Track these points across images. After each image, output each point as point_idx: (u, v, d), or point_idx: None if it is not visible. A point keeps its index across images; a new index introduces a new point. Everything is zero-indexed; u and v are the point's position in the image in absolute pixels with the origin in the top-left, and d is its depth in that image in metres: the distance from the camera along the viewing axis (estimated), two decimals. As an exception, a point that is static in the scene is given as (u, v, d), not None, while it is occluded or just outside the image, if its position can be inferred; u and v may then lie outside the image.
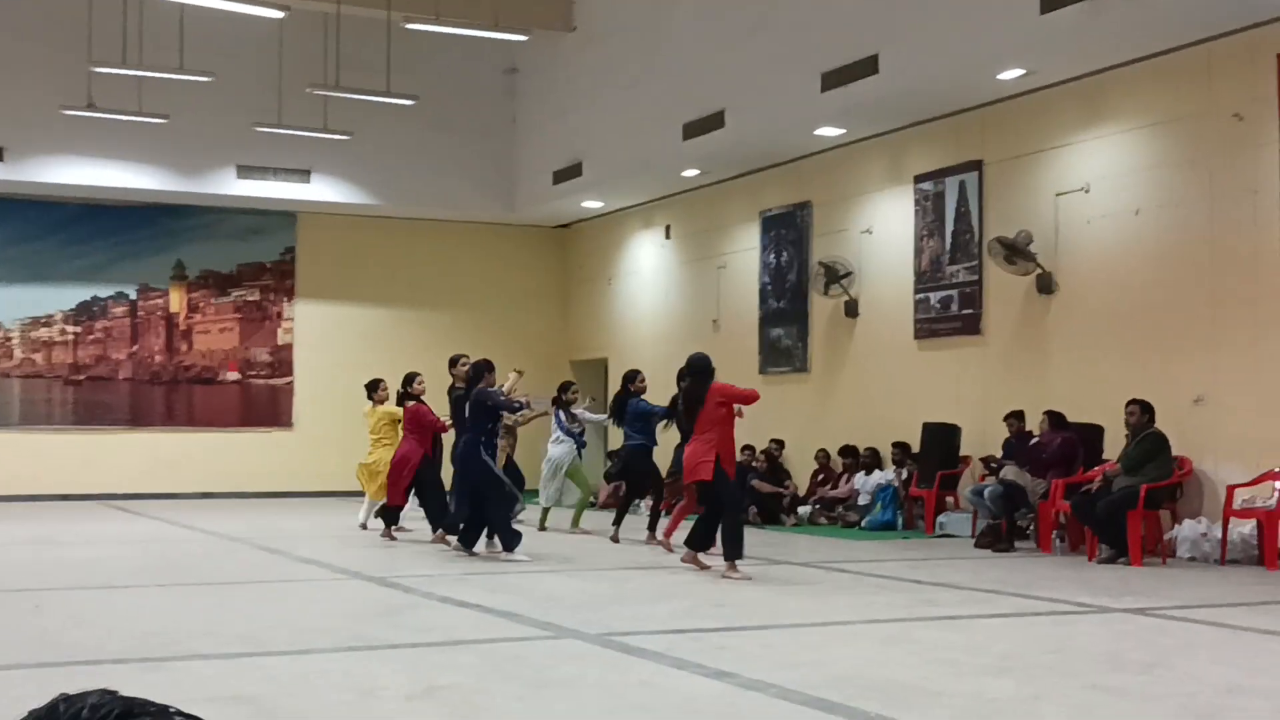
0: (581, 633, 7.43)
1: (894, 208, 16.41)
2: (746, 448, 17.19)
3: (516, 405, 11.75)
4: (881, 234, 16.59)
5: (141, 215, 21.67)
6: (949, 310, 15.44)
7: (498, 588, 9.61)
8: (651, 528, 13.18)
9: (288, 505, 13.42)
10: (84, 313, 21.66)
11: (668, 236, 21.13)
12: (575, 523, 14.63)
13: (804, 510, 16.19)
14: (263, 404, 21.89)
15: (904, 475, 15.36)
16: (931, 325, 15.70)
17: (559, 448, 14.70)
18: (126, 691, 1.25)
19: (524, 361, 20.25)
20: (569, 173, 20.76)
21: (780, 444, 17.49)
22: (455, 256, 23.44)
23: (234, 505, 14.35)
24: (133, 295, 21.89)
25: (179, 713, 1.22)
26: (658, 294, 21.33)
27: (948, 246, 15.48)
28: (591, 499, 20.12)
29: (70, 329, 21.60)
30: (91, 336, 21.71)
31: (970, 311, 15.16)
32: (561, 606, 8.60)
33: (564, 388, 14.94)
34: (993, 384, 14.83)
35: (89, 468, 21.12)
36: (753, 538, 11.61)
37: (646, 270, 21.69)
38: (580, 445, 14.61)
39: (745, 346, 18.67)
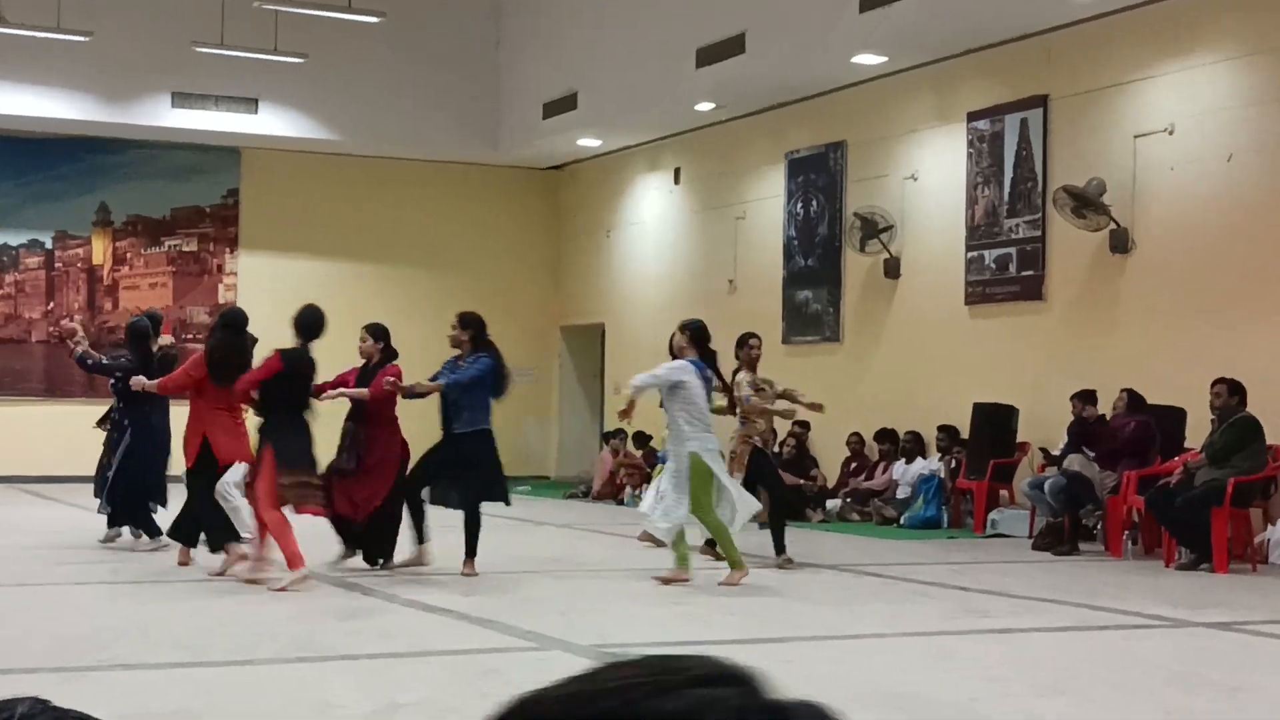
0: (570, 643, 7.49)
1: (943, 150, 16.39)
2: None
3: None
4: (928, 181, 16.58)
5: (59, 150, 21.66)
6: (1006, 271, 15.46)
7: (473, 589, 9.68)
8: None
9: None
10: (-9, 264, 21.71)
11: (677, 181, 21.13)
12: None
13: (833, 504, 16.25)
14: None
15: (950, 464, 15.40)
16: (985, 289, 15.71)
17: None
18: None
19: (508, 326, 20.24)
20: (562, 105, 20.73)
21: (806, 427, 17.53)
22: (427, 203, 23.44)
23: (171, 491, 14.40)
24: (48, 244, 21.92)
25: None
26: (664, 249, 21.34)
27: (1006, 196, 15.48)
28: (585, 488, 20.25)
29: (-25, 283, 21.66)
30: (0, 291, 21.77)
31: (1031, 273, 15.17)
32: (547, 612, 8.66)
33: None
34: (1056, 358, 14.85)
35: (-3, 445, 21.19)
36: (766, 536, 11.67)
37: (651, 221, 21.69)
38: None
39: (766, 311, 18.70)
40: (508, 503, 10.78)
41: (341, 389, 10.61)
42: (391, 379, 10.41)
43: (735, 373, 11.51)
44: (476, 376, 10.42)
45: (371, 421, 10.54)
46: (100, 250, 22.12)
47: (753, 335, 11.92)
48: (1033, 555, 12.72)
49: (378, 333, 10.93)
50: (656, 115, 19.81)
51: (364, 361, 10.87)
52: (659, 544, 11.16)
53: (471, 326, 10.76)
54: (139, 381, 10.91)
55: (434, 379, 10.58)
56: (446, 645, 7.50)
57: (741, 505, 10.00)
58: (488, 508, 10.53)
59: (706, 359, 10.14)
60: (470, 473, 10.48)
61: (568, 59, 20.68)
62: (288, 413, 10.02)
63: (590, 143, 21.77)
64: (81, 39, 19.20)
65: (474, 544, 10.48)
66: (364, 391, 10.45)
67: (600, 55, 19.94)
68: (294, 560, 9.57)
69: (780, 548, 11.14)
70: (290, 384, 10.01)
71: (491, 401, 10.61)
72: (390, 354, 10.89)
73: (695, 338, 10.16)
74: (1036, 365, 15.07)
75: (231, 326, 10.56)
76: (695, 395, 9.86)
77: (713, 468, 9.86)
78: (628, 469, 19.15)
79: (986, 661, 7.24)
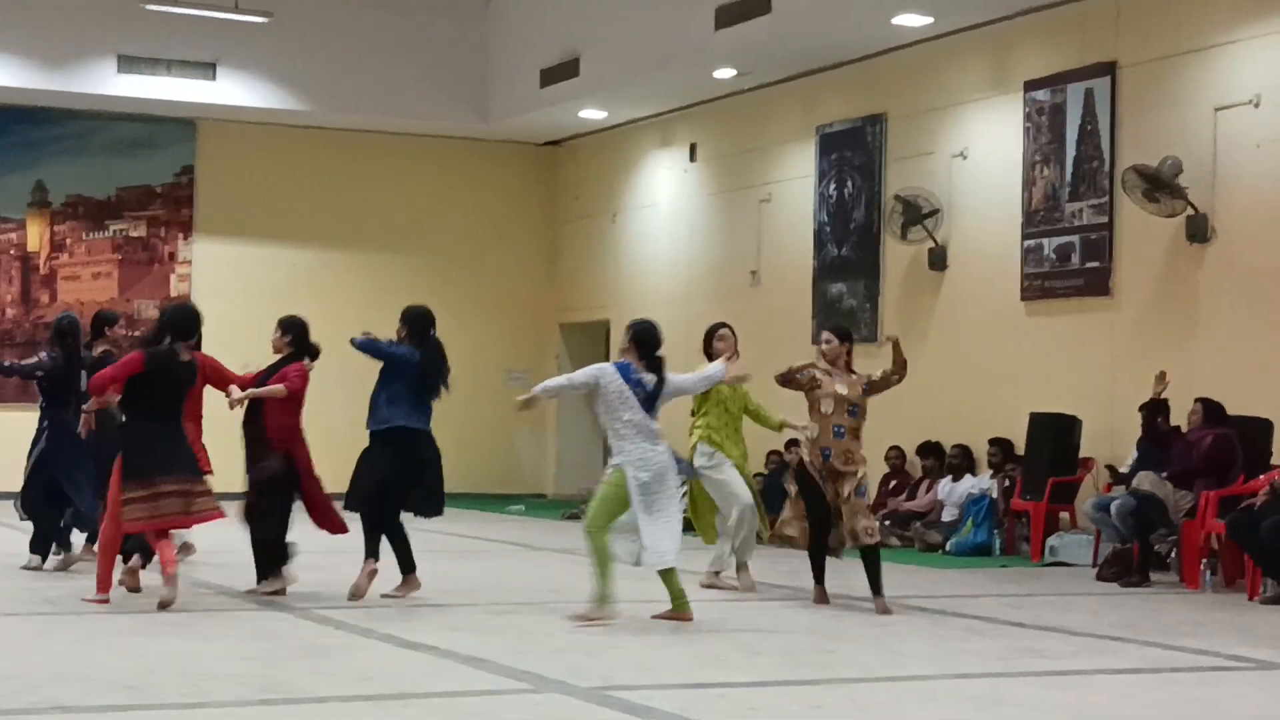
0: (570, 685, 7.48)
1: (997, 124, 16.38)
2: (794, 444, 17.22)
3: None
4: (980, 159, 16.57)
5: (-10, 120, 21.72)
6: (1068, 263, 15.44)
7: (459, 624, 9.68)
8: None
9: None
10: (-88, 250, 21.76)
11: (693, 159, 21.12)
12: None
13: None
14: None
15: (1004, 483, 15.38)
16: (1045, 283, 15.70)
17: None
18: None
19: (499, 322, 20.30)
20: (561, 71, 20.73)
21: (839, 438, 17.52)
22: (407, 181, 23.44)
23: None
24: (-23, 227, 21.97)
25: None
26: (678, 236, 21.33)
27: (1068, 177, 15.47)
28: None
29: (-106, 271, 21.70)
30: (-78, 282, 21.81)
31: (1097, 265, 15.16)
32: (543, 650, 8.65)
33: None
34: (1125, 362, 14.82)
35: (-83, 457, 21.19)
36: (798, 562, 11.67)
37: (664, 203, 21.69)
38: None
39: (794, 307, 18.69)
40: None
41: (253, 389, 10.85)
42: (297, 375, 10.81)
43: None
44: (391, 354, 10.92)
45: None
46: (36, 235, 22.13)
47: (720, 325, 12.05)
48: (1097, 587, 12.68)
49: (288, 325, 11.17)
50: (669, 83, 19.80)
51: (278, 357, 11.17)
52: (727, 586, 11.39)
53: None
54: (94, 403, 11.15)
55: None
56: (429, 687, 7.50)
57: (653, 548, 9.90)
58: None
59: (652, 365, 10.11)
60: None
61: (568, 18, 20.68)
62: (148, 419, 10.28)
63: (594, 114, 21.76)
64: (15, -6, 19.23)
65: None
66: (278, 389, 10.75)
67: (605, 14, 19.94)
68: (103, 584, 10.32)
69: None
70: (153, 387, 10.24)
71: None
72: (303, 350, 11.08)
73: (637, 340, 10.17)
74: (1102, 370, 15.06)
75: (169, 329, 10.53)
76: (614, 402, 9.89)
77: (632, 495, 9.83)
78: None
79: (1044, 709, 7.22)
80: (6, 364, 13.37)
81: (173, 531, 10.62)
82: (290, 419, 10.91)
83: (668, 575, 9.94)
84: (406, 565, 11.01)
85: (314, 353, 11.14)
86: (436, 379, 11.05)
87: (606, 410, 9.94)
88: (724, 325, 12.04)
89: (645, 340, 10.16)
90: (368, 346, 10.88)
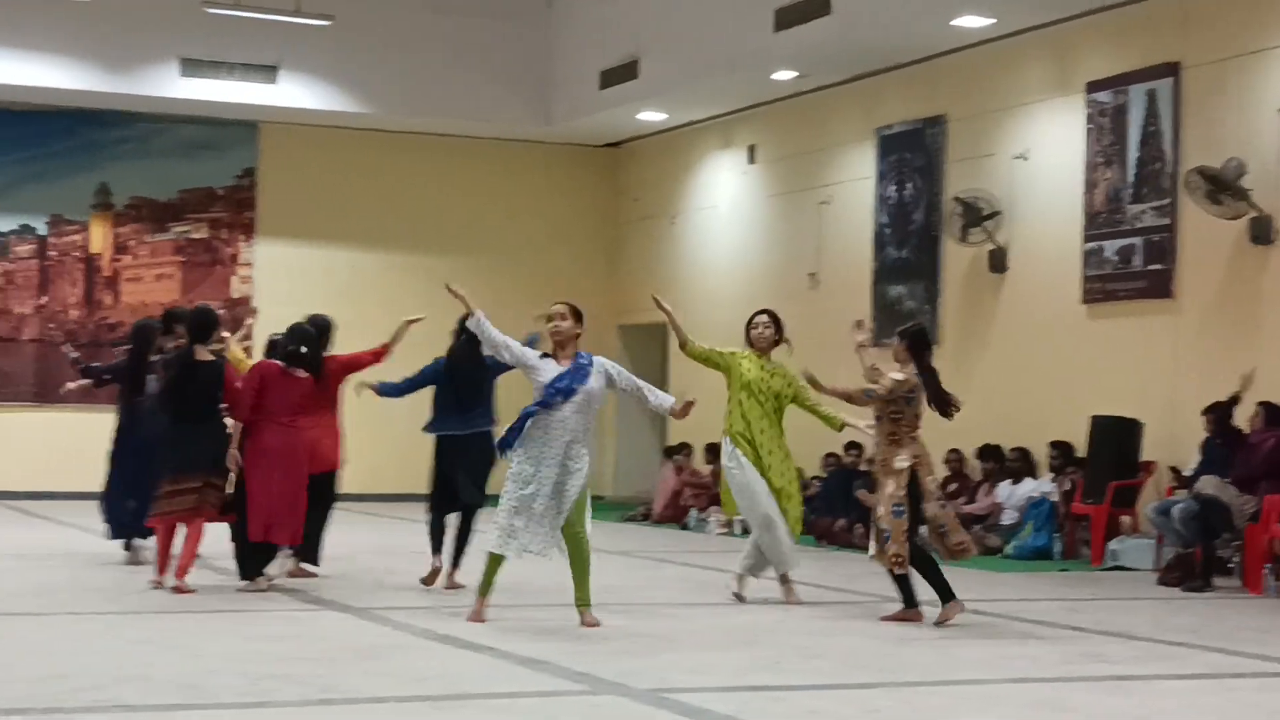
0: (627, 687, 7.49)
1: (1058, 126, 16.30)
2: (852, 447, 17.21)
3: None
4: (1040, 161, 16.50)
5: (55, 124, 21.91)
6: (1130, 265, 15.36)
7: (516, 626, 9.70)
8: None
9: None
10: (-22, 252, 21.98)
11: (752, 160, 21.11)
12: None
13: (927, 530, 16.17)
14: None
15: (1064, 486, 15.32)
16: (1106, 285, 15.62)
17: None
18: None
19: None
20: (621, 74, 20.76)
21: (898, 441, 17.47)
22: (467, 183, 23.52)
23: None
24: (42, 230, 22.16)
25: None
26: (737, 237, 21.32)
27: (1130, 179, 15.38)
28: (645, 510, 20.24)
29: (-40, 273, 21.93)
30: (-12, 283, 22.03)
31: (1159, 267, 15.07)
32: (600, 652, 8.67)
33: None
34: (1187, 365, 14.74)
35: (-17, 456, 21.44)
36: (854, 565, 11.63)
37: (722, 205, 21.68)
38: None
39: (853, 309, 18.56)
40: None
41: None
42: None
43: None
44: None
45: None
46: (100, 237, 22.33)
47: (761, 312, 11.50)
48: (1159, 591, 12.62)
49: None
50: (729, 85, 19.80)
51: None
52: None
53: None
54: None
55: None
56: (485, 688, 7.52)
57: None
58: None
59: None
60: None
61: (628, 21, 20.70)
62: (175, 420, 11.19)
63: (653, 116, 21.78)
64: (80, -2, 19.40)
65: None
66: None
67: (666, 16, 19.96)
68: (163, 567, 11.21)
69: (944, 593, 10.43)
70: (182, 388, 11.13)
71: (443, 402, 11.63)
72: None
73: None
74: (1165, 373, 14.97)
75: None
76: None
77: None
78: (693, 489, 19.15)
79: (1104, 714, 7.19)
80: (91, 366, 13.82)
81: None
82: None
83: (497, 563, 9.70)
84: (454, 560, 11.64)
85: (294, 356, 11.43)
86: (465, 379, 11.47)
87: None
88: (765, 312, 11.47)
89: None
90: (389, 390, 11.66)
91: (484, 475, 11.68)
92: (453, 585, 11.49)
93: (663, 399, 9.93)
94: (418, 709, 6.95)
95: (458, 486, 11.56)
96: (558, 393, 9.57)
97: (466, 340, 11.26)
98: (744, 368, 11.16)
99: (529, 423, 9.58)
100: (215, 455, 10.99)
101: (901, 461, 10.19)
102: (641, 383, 10.04)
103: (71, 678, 7.44)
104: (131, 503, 12.80)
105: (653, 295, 11.68)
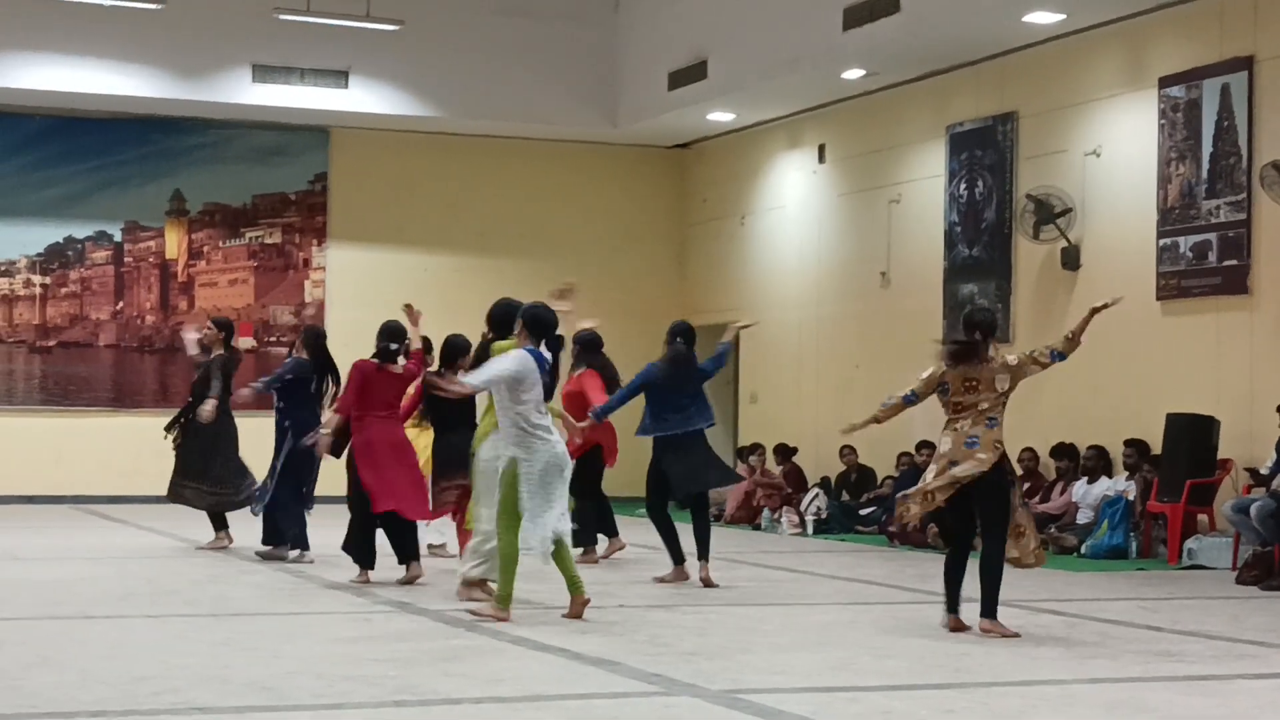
0: (700, 688, 7.50)
1: (1131, 121, 16.19)
2: (925, 445, 17.14)
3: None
4: (1113, 157, 16.40)
5: (129, 131, 22.12)
6: (1205, 261, 15.24)
7: (590, 627, 9.72)
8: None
9: (322, 513, 13.70)
10: (54, 259, 22.20)
11: (822, 160, 21.07)
12: None
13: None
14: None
15: (1140, 485, 15.21)
16: (1181, 281, 15.50)
17: None
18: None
19: (628, 326, 20.30)
20: (690, 74, 20.76)
21: (971, 440, 17.38)
22: (537, 186, 23.58)
23: (247, 513, 14.77)
24: (117, 236, 22.39)
25: None
26: (807, 237, 21.29)
27: (1205, 174, 15.26)
28: (717, 511, 20.24)
29: (36, 280, 22.16)
30: (64, 290, 22.25)
31: (1235, 263, 14.94)
32: (673, 653, 8.68)
33: None
34: (1264, 362, 14.62)
35: (60, 461, 21.65)
36: (933, 565, 11.59)
37: (792, 205, 21.65)
38: None
39: (923, 308, 18.58)
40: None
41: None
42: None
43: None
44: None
45: None
46: (174, 243, 22.53)
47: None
48: (1236, 590, 12.52)
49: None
50: (798, 84, 19.77)
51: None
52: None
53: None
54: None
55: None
56: (560, 690, 7.54)
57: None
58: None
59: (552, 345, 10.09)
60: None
61: (696, 21, 20.71)
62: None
63: (722, 117, 21.78)
64: (153, 6, 19.59)
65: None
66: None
67: (734, 16, 19.95)
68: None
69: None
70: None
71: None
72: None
73: (530, 323, 10.03)
74: (1241, 369, 14.85)
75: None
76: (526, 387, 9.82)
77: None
78: (766, 489, 19.12)
79: (1182, 714, 7.14)
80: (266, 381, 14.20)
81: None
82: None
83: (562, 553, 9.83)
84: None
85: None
86: (684, 380, 12.34)
87: (512, 398, 9.76)
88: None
89: (539, 323, 10.04)
90: (604, 413, 12.61)
91: (705, 467, 12.38)
92: (708, 581, 12.03)
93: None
94: (492, 711, 6.98)
95: (681, 481, 12.19)
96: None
97: (684, 343, 12.36)
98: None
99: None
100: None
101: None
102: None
103: (149, 680, 7.52)
104: (306, 510, 13.54)
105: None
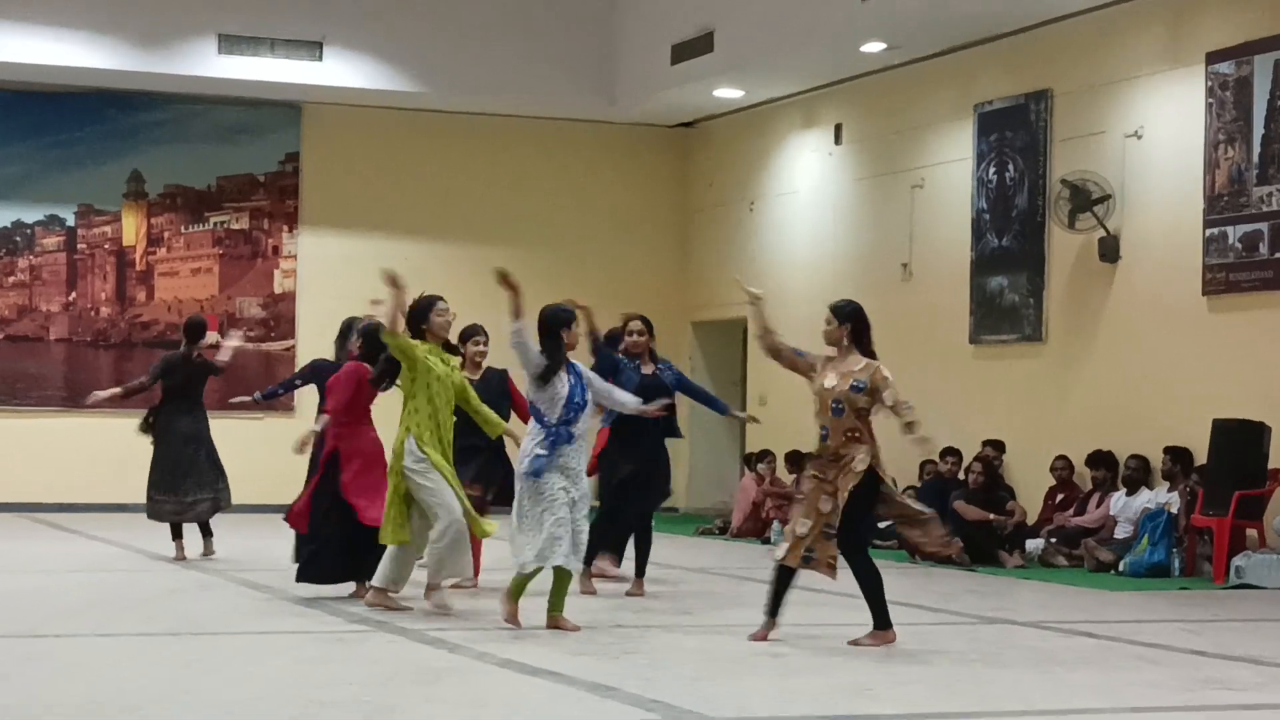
0: (703, 716, 7.50)
1: (1175, 100, 16.21)
2: (950, 453, 17.16)
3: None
4: (1156, 139, 16.42)
5: (83, 106, 22.13)
6: (1255, 253, 15.26)
7: (581, 648, 9.73)
8: None
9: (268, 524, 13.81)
10: (1, 245, 22.21)
11: (838, 141, 21.10)
12: None
13: (1033, 545, 16.12)
14: (252, 378, 22.23)
15: (1184, 497, 15.22)
16: (1229, 274, 15.52)
17: None
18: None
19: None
20: (695, 47, 20.78)
21: (1000, 448, 17.38)
22: (528, 168, 23.59)
23: (213, 521, 14.84)
24: (70, 221, 22.39)
25: None
26: (822, 225, 21.30)
27: (1255, 158, 15.28)
28: (722, 524, 20.28)
29: (-17, 268, 22.20)
30: (11, 279, 22.26)
31: (1287, 255, 15.00)
32: (672, 676, 8.68)
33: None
34: (1319, 363, 14.65)
35: (6, 466, 21.65)
36: (957, 582, 11.61)
37: (806, 190, 21.67)
38: None
39: (949, 303, 18.60)
40: None
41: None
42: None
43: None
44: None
45: None
46: (132, 228, 22.54)
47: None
48: (1288, 612, 12.54)
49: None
50: (813, 59, 19.80)
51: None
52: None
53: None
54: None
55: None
56: (551, 716, 7.55)
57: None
58: None
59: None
60: None
61: (702, -10, 20.74)
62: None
63: (729, 94, 21.80)
64: (110, -29, 19.59)
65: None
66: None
67: (742, -15, 19.98)
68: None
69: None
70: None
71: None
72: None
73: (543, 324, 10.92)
74: (1294, 372, 14.88)
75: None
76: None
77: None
78: (775, 499, 19.12)
79: (1228, 746, 7.16)
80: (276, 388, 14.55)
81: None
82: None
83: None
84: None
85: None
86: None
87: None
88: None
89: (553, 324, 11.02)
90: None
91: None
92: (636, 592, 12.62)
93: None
94: (477, 738, 7.00)
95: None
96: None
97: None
98: None
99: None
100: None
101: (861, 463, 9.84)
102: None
103: (104, 705, 7.53)
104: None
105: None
